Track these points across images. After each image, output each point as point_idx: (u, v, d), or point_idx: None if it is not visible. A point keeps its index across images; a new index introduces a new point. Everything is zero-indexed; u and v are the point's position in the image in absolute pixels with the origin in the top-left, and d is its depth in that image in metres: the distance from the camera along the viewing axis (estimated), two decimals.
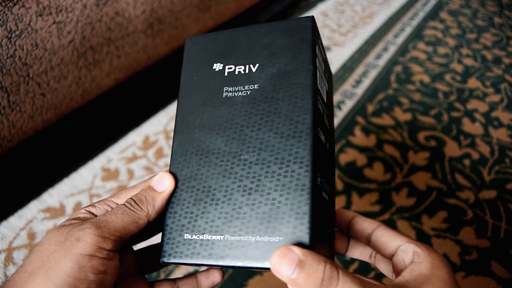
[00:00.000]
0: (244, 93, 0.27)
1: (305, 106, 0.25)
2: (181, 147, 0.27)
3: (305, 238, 0.22)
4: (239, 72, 0.27)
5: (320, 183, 0.25)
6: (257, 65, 0.27)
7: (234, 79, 0.27)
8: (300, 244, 0.22)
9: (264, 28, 0.28)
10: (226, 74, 0.28)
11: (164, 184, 0.25)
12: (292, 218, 0.23)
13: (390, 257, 0.25)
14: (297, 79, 0.26)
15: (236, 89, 0.27)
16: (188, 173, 0.26)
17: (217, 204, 0.25)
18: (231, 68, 0.28)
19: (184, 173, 0.26)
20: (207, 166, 0.26)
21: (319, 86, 0.27)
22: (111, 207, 0.25)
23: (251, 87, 0.27)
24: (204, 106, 0.27)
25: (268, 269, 0.22)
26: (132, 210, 0.24)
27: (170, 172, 0.27)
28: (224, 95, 0.27)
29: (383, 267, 0.28)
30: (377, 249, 0.26)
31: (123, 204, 0.24)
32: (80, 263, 0.20)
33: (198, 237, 0.24)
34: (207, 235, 0.24)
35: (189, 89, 0.29)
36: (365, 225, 0.27)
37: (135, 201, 0.24)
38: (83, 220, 0.23)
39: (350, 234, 0.29)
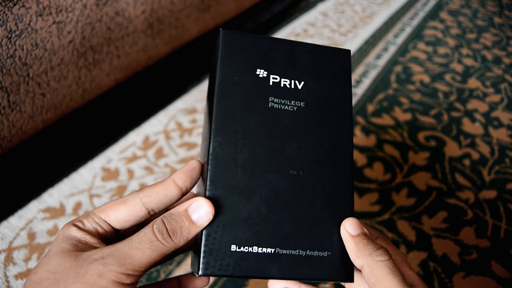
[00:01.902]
0: (291, 108, 0.27)
1: (347, 134, 0.28)
2: (224, 151, 0.25)
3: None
4: (285, 85, 0.27)
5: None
6: (303, 83, 0.28)
7: (280, 91, 0.27)
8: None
9: (307, 47, 0.29)
10: (271, 83, 0.27)
11: (202, 214, 0.23)
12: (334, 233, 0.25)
13: None
14: (341, 107, 0.28)
15: (283, 102, 0.27)
16: (233, 182, 0.25)
17: (269, 217, 0.24)
18: (276, 78, 0.27)
19: (228, 181, 0.25)
20: (257, 177, 0.25)
21: None
22: (101, 227, 0.24)
23: (298, 103, 0.27)
24: (248, 112, 0.26)
25: (321, 280, 0.25)
26: (161, 243, 0.22)
27: (211, 177, 0.24)
28: (270, 105, 0.27)
29: None
30: None
31: (153, 232, 0.22)
32: None
33: (247, 249, 0.24)
34: (256, 247, 0.24)
35: (230, 89, 0.26)
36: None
37: (167, 231, 0.23)
38: (83, 243, 0.23)
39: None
